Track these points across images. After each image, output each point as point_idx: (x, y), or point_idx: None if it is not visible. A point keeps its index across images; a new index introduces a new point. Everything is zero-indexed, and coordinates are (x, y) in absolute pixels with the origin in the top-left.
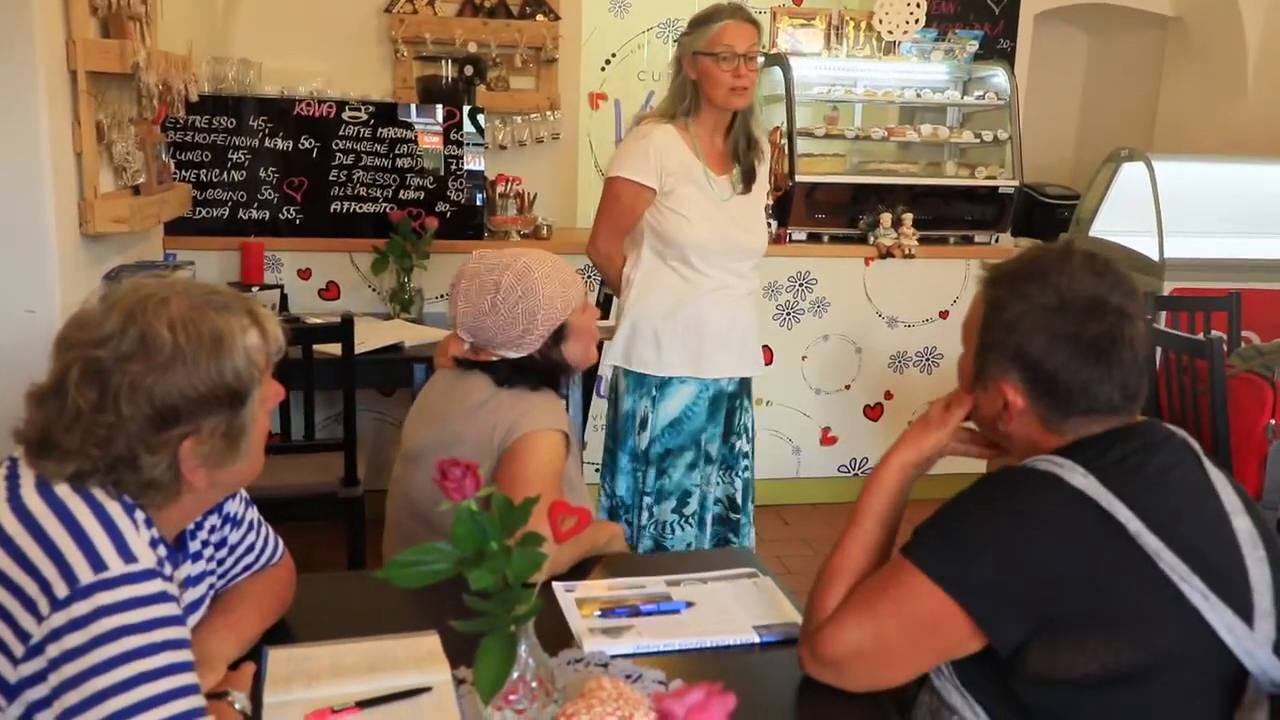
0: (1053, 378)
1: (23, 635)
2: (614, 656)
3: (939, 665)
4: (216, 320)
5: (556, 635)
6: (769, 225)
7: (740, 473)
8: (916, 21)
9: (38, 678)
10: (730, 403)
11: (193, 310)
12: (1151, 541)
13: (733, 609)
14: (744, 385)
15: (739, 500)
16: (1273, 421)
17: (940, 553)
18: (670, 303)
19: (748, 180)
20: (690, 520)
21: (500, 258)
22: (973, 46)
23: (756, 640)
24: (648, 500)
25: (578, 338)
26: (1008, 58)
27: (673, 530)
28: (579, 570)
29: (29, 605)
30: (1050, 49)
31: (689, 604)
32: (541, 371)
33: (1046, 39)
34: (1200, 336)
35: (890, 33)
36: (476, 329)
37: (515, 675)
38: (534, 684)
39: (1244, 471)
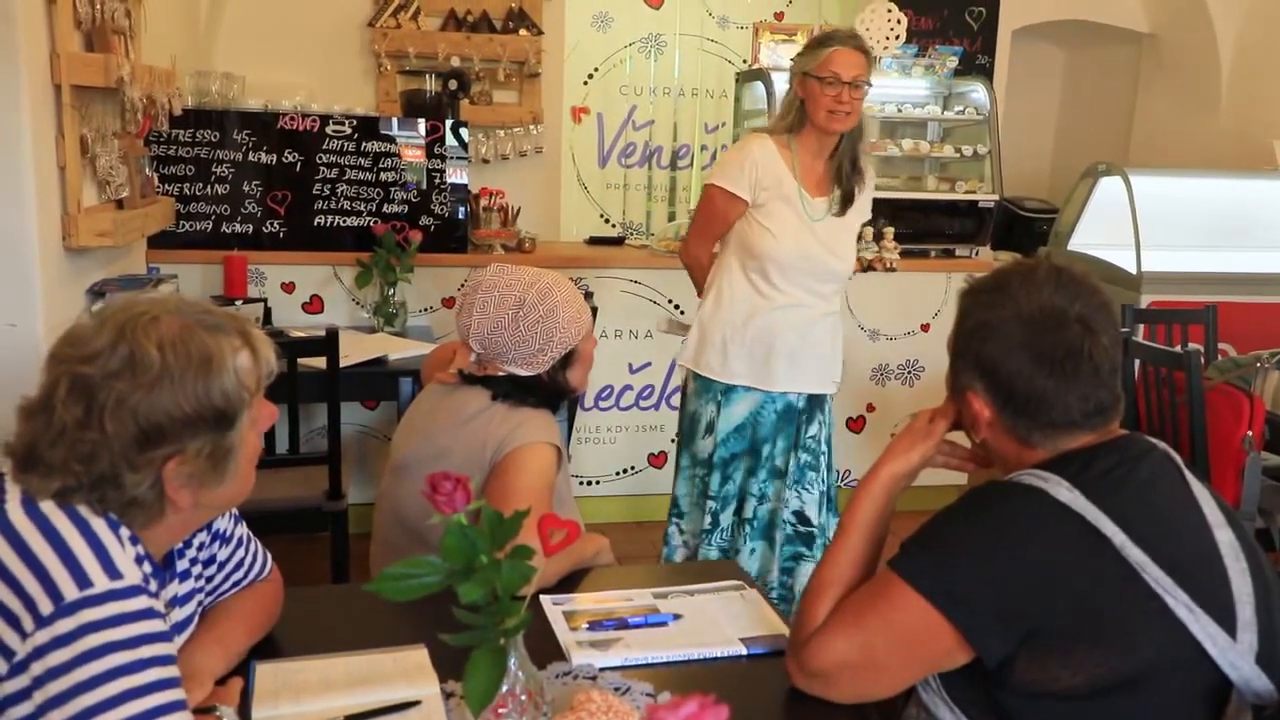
0: (1010, 387)
1: (7, 653)
2: (602, 669)
3: (926, 678)
4: (207, 340)
5: (545, 648)
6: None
7: (809, 486)
8: (897, 38)
9: (22, 695)
10: (799, 418)
11: (183, 330)
12: (1136, 554)
13: (720, 621)
14: (815, 401)
15: (810, 514)
16: (1250, 433)
17: (927, 566)
18: (743, 313)
19: (845, 204)
20: (750, 527)
21: (521, 275)
22: (952, 62)
23: (744, 652)
24: (712, 505)
25: (581, 363)
26: (986, 73)
27: (730, 535)
28: (567, 583)
29: (13, 622)
30: (1028, 65)
31: (676, 616)
32: (545, 392)
33: (1024, 55)
34: (1178, 349)
35: (871, 48)
36: (491, 341)
37: (505, 688)
38: (523, 697)
39: (1222, 483)
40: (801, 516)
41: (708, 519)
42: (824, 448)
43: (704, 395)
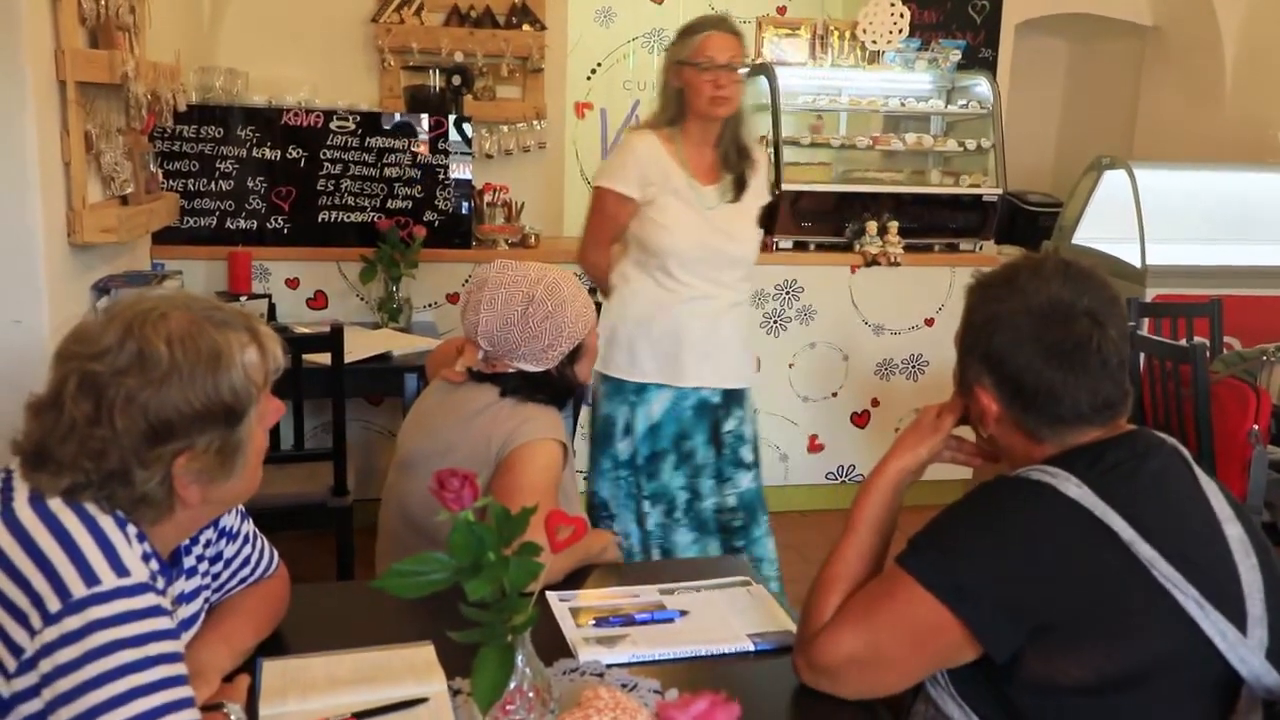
0: (1018, 381)
1: (15, 650)
2: (609, 666)
3: (935, 673)
4: (215, 336)
5: (552, 645)
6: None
7: (734, 481)
8: (900, 31)
9: (31, 692)
10: (715, 414)
11: (191, 325)
12: (1145, 550)
13: (727, 617)
14: (731, 396)
15: (736, 509)
16: (1256, 427)
17: (935, 561)
18: (648, 310)
19: (738, 189)
20: (681, 522)
21: (526, 271)
22: (956, 56)
23: (751, 648)
24: (646, 505)
25: (588, 357)
26: (990, 67)
27: (666, 533)
28: (573, 580)
29: (21, 619)
30: (1031, 58)
31: (683, 613)
32: (554, 388)
33: (1027, 49)
34: (1183, 342)
35: (874, 42)
36: (500, 338)
37: (512, 685)
38: (531, 694)
39: (1227, 476)
40: (727, 512)
41: (649, 520)
42: (747, 443)
43: (616, 397)
